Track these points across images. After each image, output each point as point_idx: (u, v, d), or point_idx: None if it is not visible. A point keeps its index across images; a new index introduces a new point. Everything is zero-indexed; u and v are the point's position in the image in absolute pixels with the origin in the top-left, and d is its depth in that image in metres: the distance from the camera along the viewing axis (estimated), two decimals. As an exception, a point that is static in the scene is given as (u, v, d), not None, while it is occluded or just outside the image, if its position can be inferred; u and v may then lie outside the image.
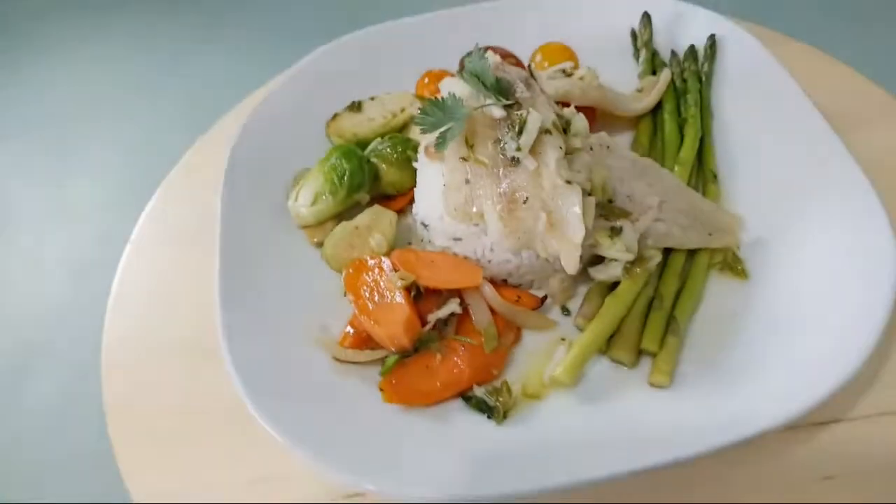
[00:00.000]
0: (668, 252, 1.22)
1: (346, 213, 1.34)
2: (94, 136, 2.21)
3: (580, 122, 1.18)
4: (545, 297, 1.21)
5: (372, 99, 1.51)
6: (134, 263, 1.38)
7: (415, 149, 1.36)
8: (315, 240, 1.32)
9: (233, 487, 1.07)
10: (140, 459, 1.10)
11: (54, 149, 2.22)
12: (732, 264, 1.22)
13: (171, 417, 1.15)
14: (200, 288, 1.21)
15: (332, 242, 1.28)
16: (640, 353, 1.13)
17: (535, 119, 1.09)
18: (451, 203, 1.15)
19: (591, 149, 1.18)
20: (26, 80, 2.71)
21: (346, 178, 1.30)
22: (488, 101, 1.15)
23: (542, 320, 1.19)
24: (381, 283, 1.18)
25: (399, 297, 1.15)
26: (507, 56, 1.53)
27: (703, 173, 1.36)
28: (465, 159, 1.14)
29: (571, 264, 1.06)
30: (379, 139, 1.40)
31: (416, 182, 1.35)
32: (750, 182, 1.33)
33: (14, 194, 2.07)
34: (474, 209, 1.14)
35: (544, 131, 1.10)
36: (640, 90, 1.51)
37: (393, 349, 1.12)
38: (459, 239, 1.21)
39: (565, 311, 1.22)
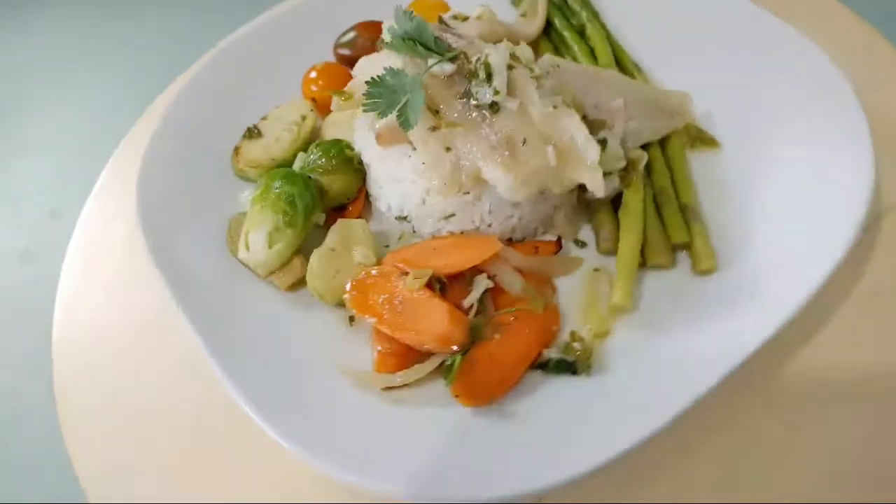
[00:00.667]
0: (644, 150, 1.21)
1: (303, 244, 1.18)
2: (36, 114, 2.05)
3: (526, 52, 1.12)
4: (559, 239, 1.15)
5: (265, 119, 1.33)
6: (83, 244, 1.32)
7: (348, 147, 1.22)
8: (287, 284, 1.15)
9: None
10: (90, 443, 1.06)
11: None
12: (701, 137, 1.24)
13: (123, 401, 1.10)
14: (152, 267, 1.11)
15: (315, 276, 1.11)
16: (673, 250, 1.11)
17: (499, 58, 1.01)
18: (437, 178, 1.04)
19: (548, 73, 1.12)
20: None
21: (297, 202, 1.13)
22: (432, 62, 1.05)
23: (569, 262, 1.13)
24: (398, 291, 1.05)
25: (427, 296, 1.03)
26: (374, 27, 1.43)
27: (625, 68, 1.37)
28: (435, 128, 1.03)
29: (599, 186, 1.01)
30: (303, 153, 1.24)
31: (365, 182, 1.22)
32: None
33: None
34: (464, 176, 1.04)
35: (509, 69, 1.02)
36: (523, 15, 1.47)
37: (450, 350, 1.00)
38: (452, 215, 1.11)
39: (580, 243, 1.16)
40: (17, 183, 1.87)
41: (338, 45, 1.43)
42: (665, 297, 1.07)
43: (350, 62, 1.39)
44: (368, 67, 1.14)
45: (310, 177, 1.19)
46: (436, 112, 1.03)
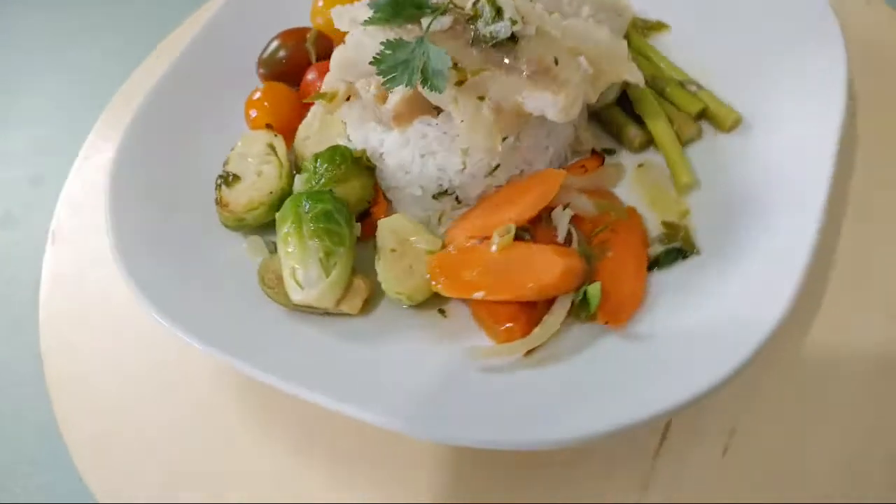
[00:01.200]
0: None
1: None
2: (15, 86, 1.94)
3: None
4: (598, 152, 1.15)
5: (227, 163, 1.19)
6: (66, 217, 1.33)
7: (348, 152, 1.12)
8: (359, 306, 1.03)
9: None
10: (76, 411, 1.08)
11: None
12: (648, 26, 1.31)
13: (110, 367, 1.12)
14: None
15: (392, 282, 1.02)
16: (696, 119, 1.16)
17: (502, -10, 0.98)
18: (481, 130, 0.99)
19: (528, -1, 1.11)
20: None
21: (336, 216, 1.02)
22: (426, 20, 0.99)
23: (616, 169, 1.14)
24: (491, 257, 0.99)
25: (526, 247, 0.99)
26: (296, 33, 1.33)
27: None
28: (460, 81, 0.98)
29: (638, 75, 1.02)
30: (304, 173, 1.12)
31: (378, 178, 1.14)
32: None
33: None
34: (506, 119, 1.00)
35: (505, 1, 1.00)
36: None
37: (574, 285, 0.96)
38: (497, 166, 1.06)
39: (609, 151, 1.17)
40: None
41: (262, 63, 1.30)
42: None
43: (282, 76, 1.29)
44: (345, 57, 1.06)
45: (330, 189, 1.08)
46: (455, 66, 0.98)
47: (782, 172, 1.01)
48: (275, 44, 1.29)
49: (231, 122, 1.27)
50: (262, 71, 1.31)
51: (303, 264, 1.01)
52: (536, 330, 0.95)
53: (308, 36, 1.29)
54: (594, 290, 0.95)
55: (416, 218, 1.12)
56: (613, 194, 1.11)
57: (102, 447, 1.05)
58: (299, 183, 1.12)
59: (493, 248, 0.99)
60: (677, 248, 1.01)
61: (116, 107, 1.52)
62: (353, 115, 1.12)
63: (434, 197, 1.10)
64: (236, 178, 1.16)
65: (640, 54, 1.25)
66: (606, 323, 0.94)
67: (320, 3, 1.35)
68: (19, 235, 1.59)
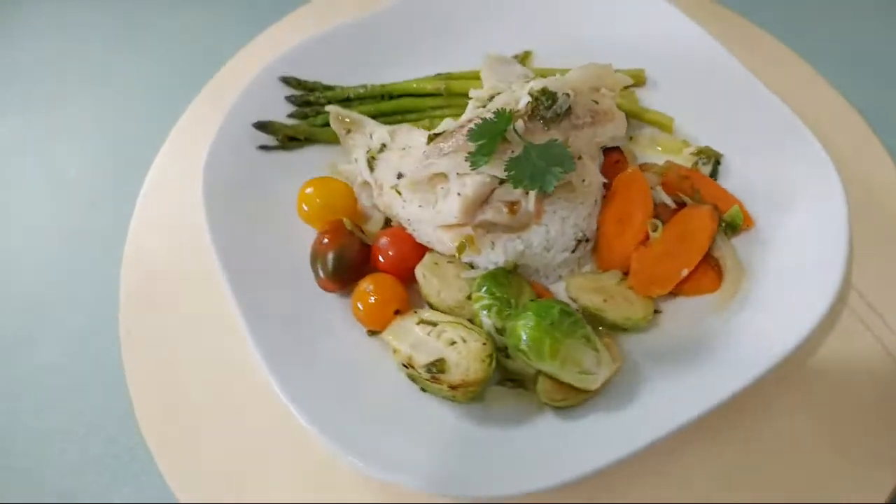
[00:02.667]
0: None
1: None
2: (78, 93, 1.85)
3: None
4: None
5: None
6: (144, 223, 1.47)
7: (497, 268, 1.25)
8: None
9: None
10: (159, 417, 1.23)
11: (37, 110, 1.87)
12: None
13: (190, 378, 1.26)
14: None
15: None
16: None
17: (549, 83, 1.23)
18: (592, 174, 1.25)
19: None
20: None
21: (561, 303, 1.16)
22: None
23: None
24: (663, 245, 1.26)
25: (672, 224, 1.29)
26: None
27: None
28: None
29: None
30: (485, 304, 1.20)
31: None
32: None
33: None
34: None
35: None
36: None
37: (719, 219, 1.29)
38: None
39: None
40: (55, 168, 1.72)
41: (336, 278, 1.28)
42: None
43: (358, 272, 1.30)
44: (470, 200, 1.18)
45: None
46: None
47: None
48: (331, 255, 1.29)
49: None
50: (335, 281, 1.30)
51: (582, 360, 1.13)
52: (729, 263, 1.26)
53: (347, 227, 1.33)
54: (733, 212, 1.29)
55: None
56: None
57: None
58: (488, 318, 1.21)
59: (656, 235, 1.26)
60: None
61: (183, 128, 1.62)
62: (487, 241, 1.24)
63: (573, 251, 1.30)
64: (442, 365, 1.19)
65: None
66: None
67: (309, 190, 1.37)
68: (84, 257, 1.55)
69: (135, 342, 1.32)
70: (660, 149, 1.46)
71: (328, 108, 1.47)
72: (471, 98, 1.42)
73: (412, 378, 1.19)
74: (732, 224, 1.29)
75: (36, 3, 2.14)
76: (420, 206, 1.24)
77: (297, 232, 1.35)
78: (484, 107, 1.29)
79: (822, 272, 1.18)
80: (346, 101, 1.53)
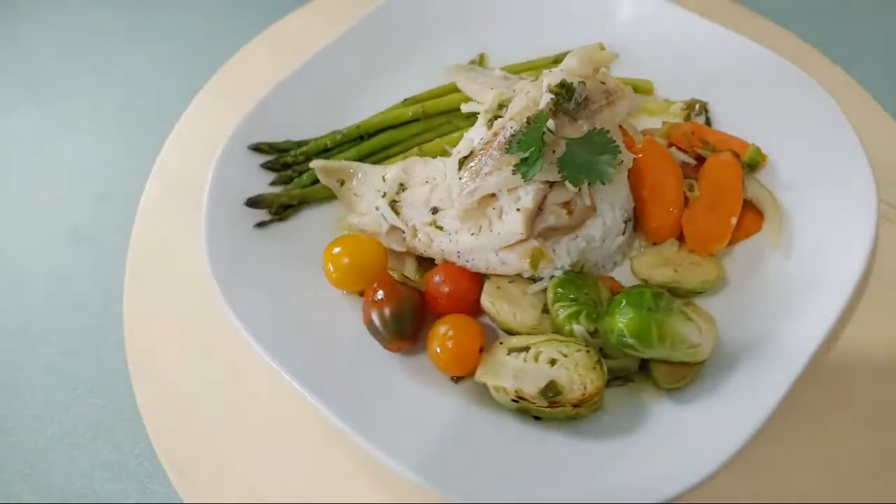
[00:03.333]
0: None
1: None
2: (85, 88, 1.84)
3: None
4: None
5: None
6: (147, 223, 1.40)
7: (568, 271, 1.21)
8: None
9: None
10: (165, 420, 1.18)
11: (42, 105, 1.83)
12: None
13: (193, 373, 1.21)
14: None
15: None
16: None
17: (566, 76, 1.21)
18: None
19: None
20: (4, 23, 2.06)
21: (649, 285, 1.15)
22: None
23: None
24: (704, 201, 1.29)
25: (705, 178, 1.31)
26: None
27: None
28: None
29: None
30: (566, 305, 1.15)
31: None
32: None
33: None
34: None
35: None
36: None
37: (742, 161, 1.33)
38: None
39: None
40: (63, 163, 1.69)
41: (401, 337, 1.18)
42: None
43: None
44: (529, 213, 1.13)
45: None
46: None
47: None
48: (388, 311, 1.18)
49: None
50: (406, 338, 1.19)
51: (687, 334, 1.11)
52: (765, 198, 1.30)
53: (398, 278, 1.22)
54: (751, 152, 1.33)
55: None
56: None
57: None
58: (578, 324, 1.16)
59: (695, 193, 1.27)
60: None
61: (184, 126, 1.55)
62: (549, 249, 1.19)
63: (623, 233, 1.28)
64: (555, 387, 1.12)
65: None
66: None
67: (336, 251, 1.24)
68: (88, 250, 1.48)
69: (138, 343, 1.26)
70: (647, 115, 1.49)
71: (312, 164, 1.36)
72: (464, 112, 1.36)
73: (526, 410, 1.12)
74: (752, 163, 1.33)
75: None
76: (472, 234, 1.17)
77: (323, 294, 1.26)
78: (496, 118, 1.24)
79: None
80: (325, 151, 1.42)
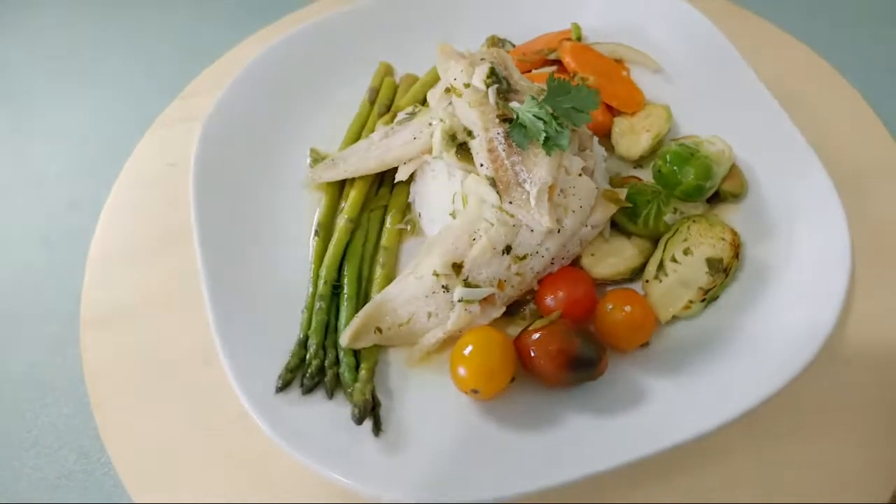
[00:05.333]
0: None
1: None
2: (58, 96, 1.87)
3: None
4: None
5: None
6: (109, 229, 1.40)
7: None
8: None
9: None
10: (120, 422, 1.15)
11: (15, 111, 1.87)
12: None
13: (151, 380, 1.19)
14: (177, 253, 1.29)
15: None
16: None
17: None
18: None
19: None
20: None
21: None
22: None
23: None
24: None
25: None
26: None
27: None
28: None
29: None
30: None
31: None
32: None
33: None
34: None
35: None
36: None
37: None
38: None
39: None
40: (35, 168, 1.72)
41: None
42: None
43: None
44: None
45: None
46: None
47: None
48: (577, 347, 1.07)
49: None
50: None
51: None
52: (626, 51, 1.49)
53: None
54: (573, 27, 1.49)
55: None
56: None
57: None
58: (665, 214, 1.22)
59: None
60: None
61: (156, 130, 1.55)
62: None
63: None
64: (716, 259, 1.18)
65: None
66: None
67: (467, 350, 1.08)
68: (58, 255, 1.49)
69: (95, 354, 1.22)
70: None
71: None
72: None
73: (714, 298, 1.17)
74: (578, 36, 1.51)
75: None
76: (559, 231, 1.12)
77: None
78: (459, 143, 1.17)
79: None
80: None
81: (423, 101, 1.45)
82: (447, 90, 1.23)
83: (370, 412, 1.06)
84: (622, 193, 1.21)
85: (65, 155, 1.72)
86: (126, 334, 1.24)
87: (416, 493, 0.97)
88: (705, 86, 1.44)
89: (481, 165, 1.13)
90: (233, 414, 1.09)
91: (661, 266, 1.19)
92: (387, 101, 1.49)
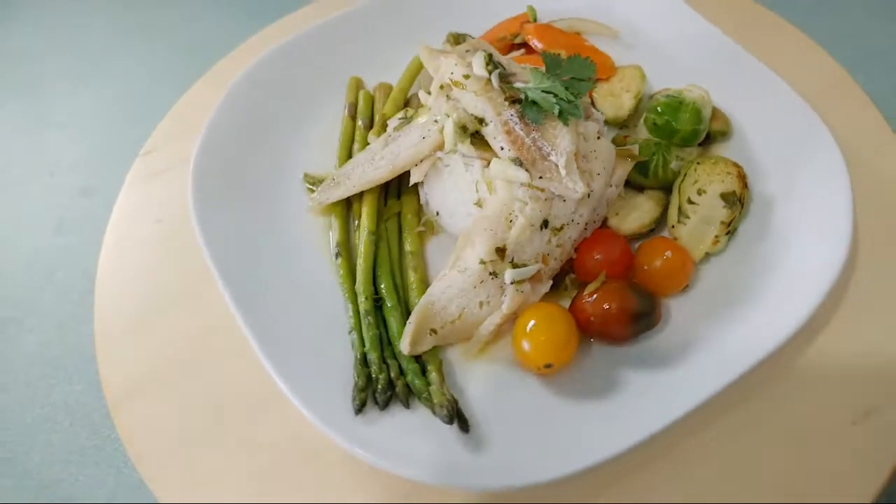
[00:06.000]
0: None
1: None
2: (71, 87, 1.92)
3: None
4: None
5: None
6: (124, 217, 1.40)
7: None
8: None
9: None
10: (133, 411, 1.13)
11: (31, 102, 1.94)
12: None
13: (166, 366, 1.18)
14: (192, 245, 1.24)
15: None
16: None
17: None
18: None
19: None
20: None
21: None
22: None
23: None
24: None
25: None
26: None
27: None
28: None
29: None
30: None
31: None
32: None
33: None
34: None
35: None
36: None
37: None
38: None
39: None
40: (49, 157, 1.78)
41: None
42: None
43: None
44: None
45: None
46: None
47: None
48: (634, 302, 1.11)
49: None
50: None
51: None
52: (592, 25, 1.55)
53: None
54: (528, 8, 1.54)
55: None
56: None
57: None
58: (671, 161, 1.28)
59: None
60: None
61: (174, 117, 1.54)
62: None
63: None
64: (730, 193, 1.24)
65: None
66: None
67: (531, 325, 1.10)
68: (70, 242, 1.55)
69: (108, 332, 1.22)
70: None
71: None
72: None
73: (734, 230, 1.24)
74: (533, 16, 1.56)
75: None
76: (588, 195, 1.15)
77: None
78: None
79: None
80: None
81: (406, 104, 1.46)
82: (442, 86, 1.24)
83: (456, 410, 1.05)
84: (635, 149, 1.25)
85: (77, 144, 1.78)
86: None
87: (522, 477, 0.97)
88: (663, 43, 1.53)
89: (501, 149, 1.15)
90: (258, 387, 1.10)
91: (680, 210, 1.24)
92: (368, 112, 1.48)
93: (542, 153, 1.13)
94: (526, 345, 1.10)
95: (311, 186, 1.38)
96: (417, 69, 1.51)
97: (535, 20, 1.57)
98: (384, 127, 1.40)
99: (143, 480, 1.04)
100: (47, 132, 1.82)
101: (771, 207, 1.26)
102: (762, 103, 1.37)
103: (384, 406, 1.08)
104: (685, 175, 1.27)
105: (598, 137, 1.18)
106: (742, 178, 1.26)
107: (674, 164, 1.29)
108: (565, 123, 1.13)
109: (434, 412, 1.05)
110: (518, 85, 1.18)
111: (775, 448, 1.03)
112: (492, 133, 1.16)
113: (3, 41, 2.10)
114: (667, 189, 1.29)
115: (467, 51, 1.27)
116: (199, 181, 1.30)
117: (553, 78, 1.15)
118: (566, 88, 1.14)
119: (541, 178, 1.13)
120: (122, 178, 1.43)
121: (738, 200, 1.23)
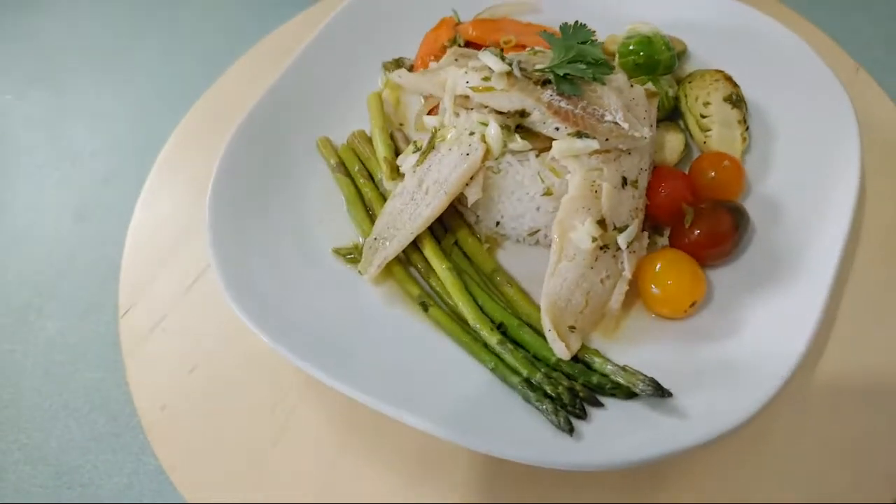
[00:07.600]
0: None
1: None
2: (94, 78, 2.00)
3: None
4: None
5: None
6: (149, 205, 1.41)
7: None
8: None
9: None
10: (154, 397, 1.15)
11: (54, 92, 2.00)
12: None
13: (188, 356, 1.19)
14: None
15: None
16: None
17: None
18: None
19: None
20: (21, 12, 2.28)
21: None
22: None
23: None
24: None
25: None
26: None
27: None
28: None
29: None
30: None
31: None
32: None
33: (11, 136, 1.89)
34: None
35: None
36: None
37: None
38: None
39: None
40: (72, 146, 1.85)
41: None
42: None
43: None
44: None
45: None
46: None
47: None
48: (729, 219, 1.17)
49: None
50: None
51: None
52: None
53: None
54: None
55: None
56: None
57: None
58: (658, 84, 1.36)
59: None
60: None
61: (197, 113, 1.56)
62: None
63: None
64: (732, 94, 1.34)
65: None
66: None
67: (658, 267, 1.13)
68: (91, 228, 1.62)
69: (132, 321, 1.23)
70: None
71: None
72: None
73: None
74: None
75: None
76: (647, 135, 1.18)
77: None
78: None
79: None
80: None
81: (391, 139, 1.39)
82: (456, 99, 1.21)
83: (654, 384, 1.03)
84: (650, 87, 1.31)
85: (100, 134, 1.78)
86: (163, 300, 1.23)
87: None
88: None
89: (556, 129, 1.14)
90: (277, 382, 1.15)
91: (700, 126, 1.33)
92: (358, 163, 1.39)
93: (596, 117, 1.14)
94: (665, 292, 1.12)
95: (348, 257, 1.27)
96: (379, 105, 1.45)
97: (459, 22, 1.58)
98: (395, 169, 1.32)
99: (161, 468, 1.07)
100: (70, 122, 1.84)
101: (770, 131, 1.34)
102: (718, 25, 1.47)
103: (582, 413, 1.03)
104: (685, 97, 1.36)
105: (632, 86, 1.21)
106: (729, 79, 1.37)
107: (670, 92, 1.36)
108: (602, 83, 1.16)
109: (636, 391, 1.02)
110: (538, 66, 1.18)
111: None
112: (539, 119, 1.15)
113: (29, 34, 2.15)
114: (673, 118, 1.37)
115: (456, 59, 1.25)
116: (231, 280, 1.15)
117: (570, 47, 1.17)
118: (591, 51, 1.16)
119: (607, 139, 1.14)
120: (140, 168, 1.45)
121: (740, 98, 1.34)
